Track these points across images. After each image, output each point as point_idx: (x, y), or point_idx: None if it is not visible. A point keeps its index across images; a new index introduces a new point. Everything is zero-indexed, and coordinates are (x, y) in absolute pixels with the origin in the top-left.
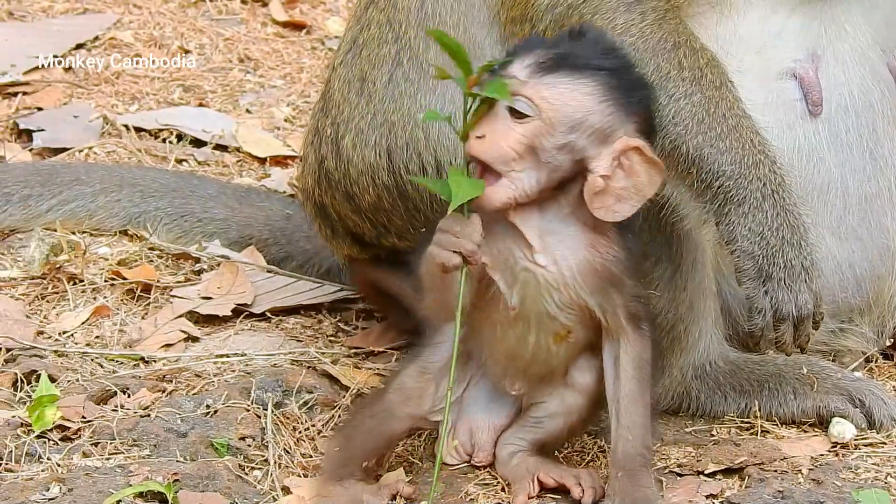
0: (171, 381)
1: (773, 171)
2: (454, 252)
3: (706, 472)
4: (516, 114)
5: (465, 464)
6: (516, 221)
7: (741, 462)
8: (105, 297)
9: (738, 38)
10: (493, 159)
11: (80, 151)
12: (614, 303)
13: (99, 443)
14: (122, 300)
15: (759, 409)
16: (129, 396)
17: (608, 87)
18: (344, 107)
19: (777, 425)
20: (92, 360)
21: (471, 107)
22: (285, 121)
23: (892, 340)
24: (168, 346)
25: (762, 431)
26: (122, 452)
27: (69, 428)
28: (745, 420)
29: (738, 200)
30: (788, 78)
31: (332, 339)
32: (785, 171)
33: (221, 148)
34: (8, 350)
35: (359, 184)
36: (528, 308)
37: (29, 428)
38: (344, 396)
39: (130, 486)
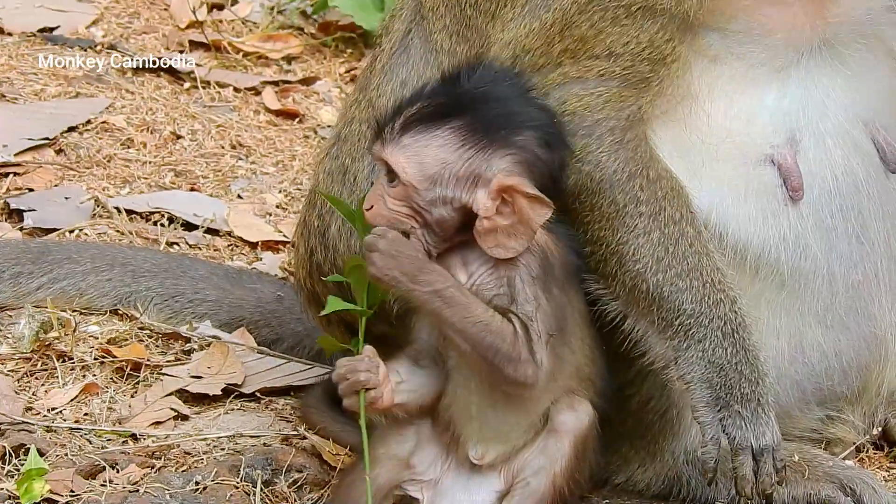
0: (160, 458)
1: (733, 310)
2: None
3: None
4: (391, 178)
5: None
6: (445, 267)
7: None
8: (94, 375)
9: (710, 126)
10: (383, 224)
11: (71, 232)
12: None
13: None
14: (111, 378)
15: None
16: (118, 472)
17: (464, 134)
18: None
19: None
20: (81, 435)
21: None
22: (277, 207)
23: (881, 430)
24: (157, 423)
25: None
26: None
27: (57, 502)
28: None
29: (699, 337)
30: (767, 164)
31: None
32: (745, 312)
33: (213, 232)
34: None
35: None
36: None
37: (17, 501)
38: (333, 476)
39: None
